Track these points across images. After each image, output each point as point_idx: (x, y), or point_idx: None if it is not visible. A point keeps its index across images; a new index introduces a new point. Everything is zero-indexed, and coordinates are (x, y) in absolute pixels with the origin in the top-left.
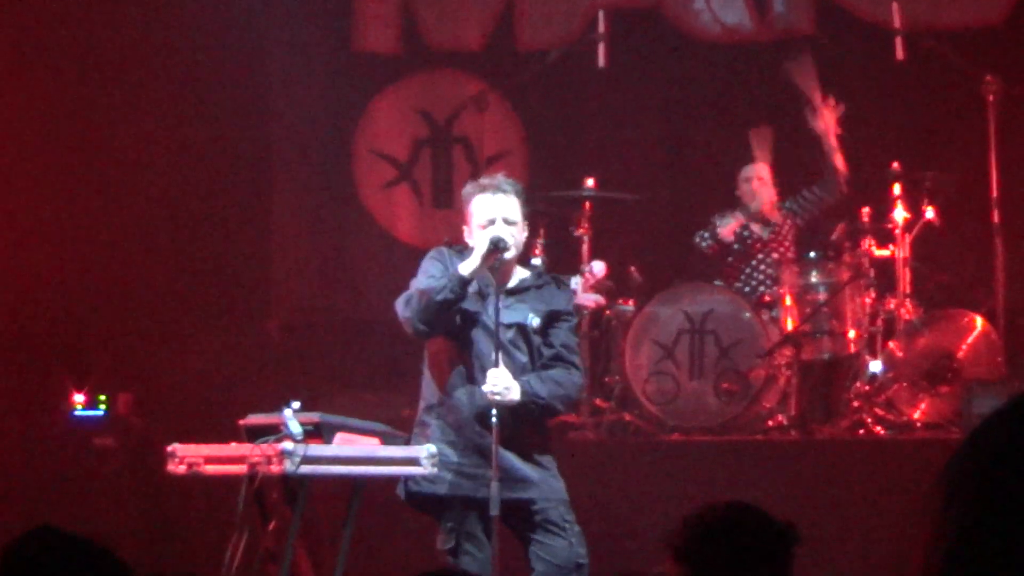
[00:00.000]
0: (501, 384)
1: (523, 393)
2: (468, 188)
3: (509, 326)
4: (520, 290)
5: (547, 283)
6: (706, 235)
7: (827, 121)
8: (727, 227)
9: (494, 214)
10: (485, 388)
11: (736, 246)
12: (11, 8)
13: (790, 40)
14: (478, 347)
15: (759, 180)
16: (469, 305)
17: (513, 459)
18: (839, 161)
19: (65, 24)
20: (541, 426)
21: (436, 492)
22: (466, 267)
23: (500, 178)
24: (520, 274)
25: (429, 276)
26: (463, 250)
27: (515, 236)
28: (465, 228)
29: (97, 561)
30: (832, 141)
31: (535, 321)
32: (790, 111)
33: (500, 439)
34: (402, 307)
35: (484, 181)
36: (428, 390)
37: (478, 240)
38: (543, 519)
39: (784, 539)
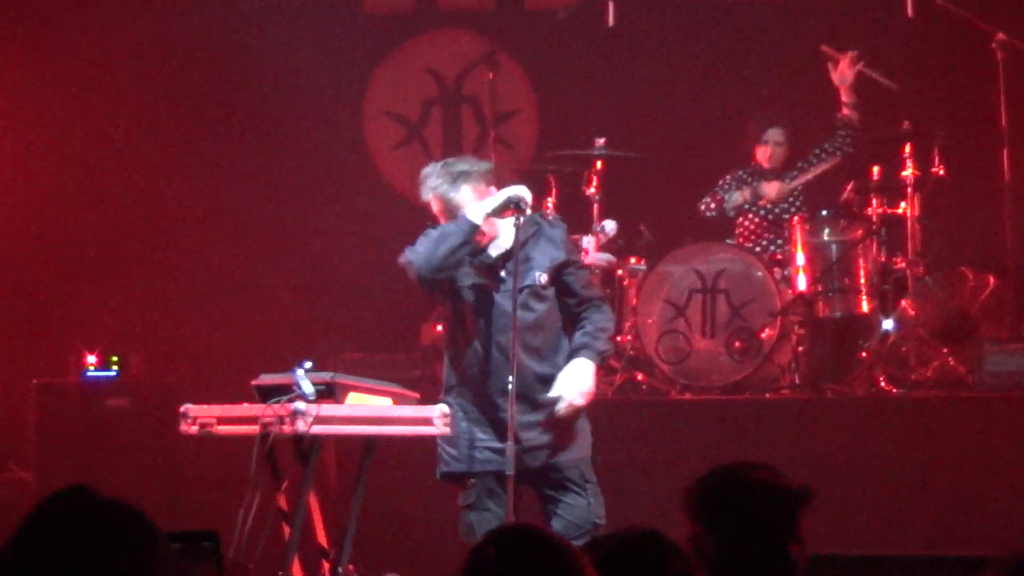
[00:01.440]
0: (573, 389)
1: (595, 361)
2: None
3: (520, 290)
4: (511, 252)
5: (539, 228)
6: (712, 205)
7: (844, 73)
8: (733, 204)
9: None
10: (563, 402)
11: (747, 208)
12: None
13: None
14: (492, 323)
15: (778, 145)
16: (479, 280)
17: (536, 431)
18: (853, 115)
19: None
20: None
21: (469, 470)
22: (477, 213)
23: (425, 174)
24: (505, 228)
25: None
26: None
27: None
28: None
29: (127, 521)
30: (848, 95)
31: (543, 278)
32: (800, 67)
33: (525, 409)
34: (408, 252)
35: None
36: (447, 371)
37: (500, 192)
38: (563, 477)
39: (795, 500)
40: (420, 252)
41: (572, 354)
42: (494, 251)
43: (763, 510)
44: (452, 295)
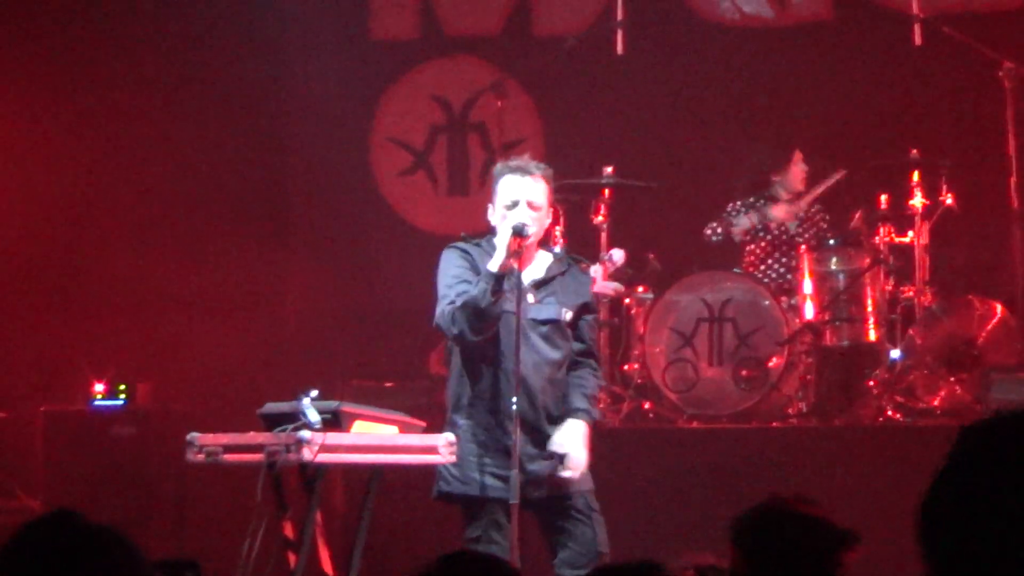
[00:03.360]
0: (581, 455)
1: (588, 425)
2: (498, 168)
3: (544, 322)
4: (548, 280)
5: (570, 268)
6: (719, 230)
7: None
8: (740, 228)
9: (518, 196)
10: (573, 464)
11: (751, 238)
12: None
13: (810, 28)
14: (506, 345)
15: (798, 164)
16: (503, 307)
17: (541, 464)
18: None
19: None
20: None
21: (468, 493)
22: (494, 263)
23: (530, 161)
24: (543, 259)
25: (458, 280)
26: (480, 240)
27: (538, 220)
28: (489, 206)
29: (112, 547)
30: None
31: (568, 315)
32: (808, 94)
33: (532, 441)
34: (448, 324)
35: (514, 163)
36: (457, 390)
37: (501, 229)
38: (568, 506)
39: (840, 540)
40: (465, 324)
41: (573, 412)
42: (526, 277)
43: (807, 546)
44: None
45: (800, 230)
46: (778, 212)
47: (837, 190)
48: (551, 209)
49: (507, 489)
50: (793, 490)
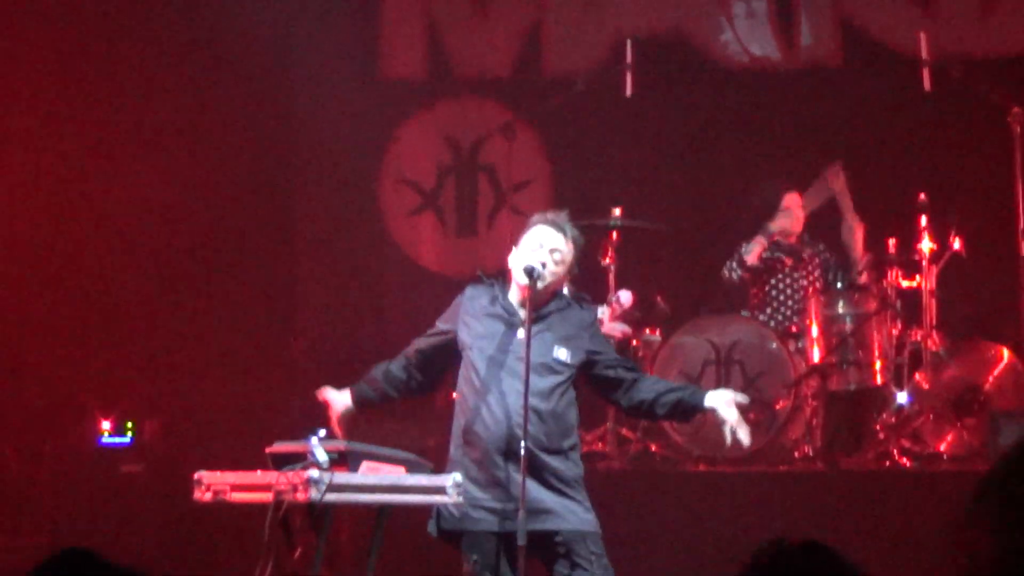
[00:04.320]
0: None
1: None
2: (536, 216)
3: (531, 359)
4: (543, 316)
5: (568, 305)
6: (734, 265)
7: (857, 236)
8: (752, 253)
9: (544, 243)
10: (740, 434)
11: (762, 267)
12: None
13: (819, 71)
14: (500, 381)
15: (796, 208)
16: (489, 339)
17: (536, 490)
18: (862, 271)
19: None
20: (570, 457)
21: (463, 527)
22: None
23: (565, 218)
24: (553, 305)
25: (429, 332)
26: (495, 281)
27: (555, 273)
28: (513, 248)
29: None
30: (858, 255)
31: (563, 354)
32: (818, 138)
33: (529, 473)
34: None
35: (551, 215)
36: (455, 428)
37: (516, 270)
38: (568, 551)
39: None
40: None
41: (693, 392)
42: (523, 314)
43: None
44: (465, 356)
45: (799, 262)
46: (781, 223)
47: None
48: (569, 271)
49: (501, 522)
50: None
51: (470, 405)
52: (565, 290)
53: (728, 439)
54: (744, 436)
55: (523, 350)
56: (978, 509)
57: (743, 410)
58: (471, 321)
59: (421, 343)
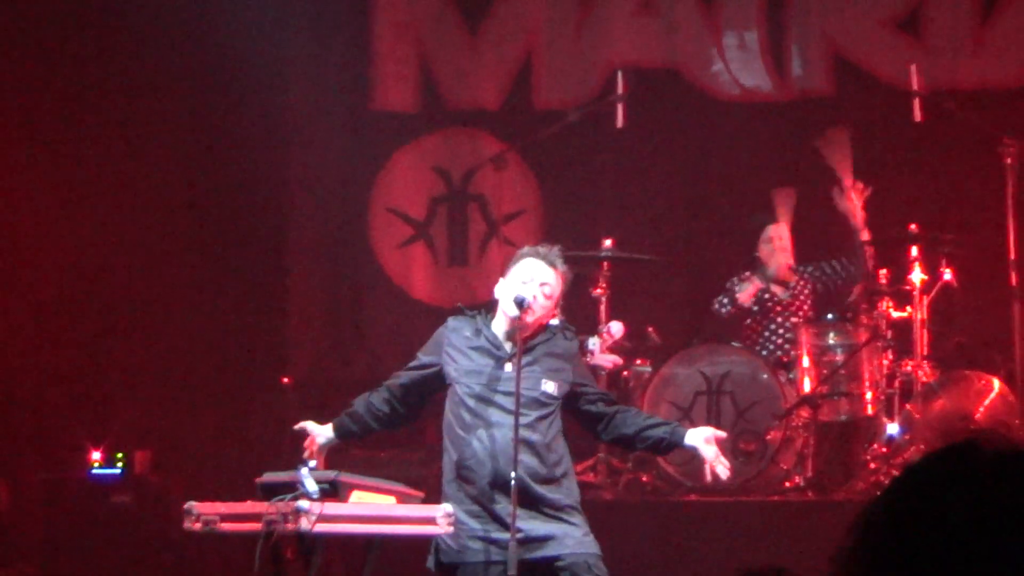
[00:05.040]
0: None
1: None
2: (524, 250)
3: (513, 392)
4: (530, 348)
5: (552, 336)
6: (725, 301)
7: (854, 202)
8: (745, 293)
9: (535, 276)
10: (719, 469)
11: (755, 308)
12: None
13: (811, 102)
14: (488, 414)
15: (779, 240)
16: (475, 372)
17: (534, 520)
18: (865, 244)
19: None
20: (564, 484)
21: (463, 560)
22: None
23: (555, 252)
24: (540, 339)
25: (412, 364)
26: (476, 312)
27: (544, 307)
28: (500, 279)
29: None
30: (858, 222)
31: (550, 387)
32: (810, 173)
33: (523, 503)
34: None
35: (541, 249)
36: (445, 462)
37: (504, 300)
38: (570, 574)
39: None
40: None
41: (674, 430)
42: (508, 347)
43: None
44: (451, 389)
45: (792, 299)
46: (776, 266)
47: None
48: (558, 306)
49: (495, 552)
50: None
51: (461, 439)
52: (555, 321)
53: (708, 476)
54: (723, 472)
55: (511, 384)
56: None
57: (725, 444)
58: (456, 355)
59: (404, 377)
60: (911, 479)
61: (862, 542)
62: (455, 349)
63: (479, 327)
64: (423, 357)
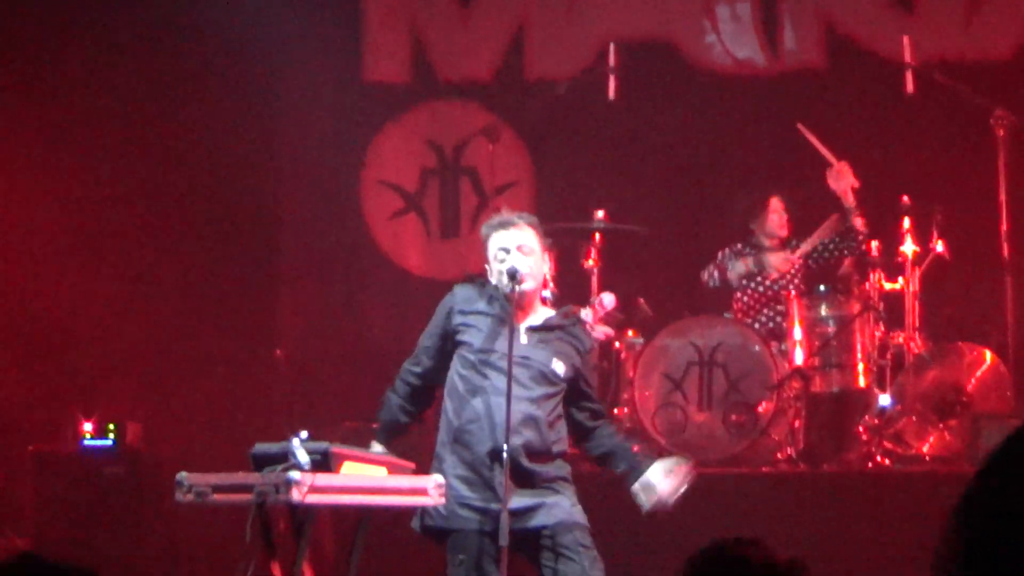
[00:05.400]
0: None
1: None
2: (483, 229)
3: (530, 364)
4: (545, 328)
5: (573, 323)
6: (716, 275)
7: (844, 179)
8: (737, 271)
9: (508, 244)
10: (663, 498)
11: (744, 282)
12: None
13: (803, 75)
14: (495, 382)
15: (776, 214)
16: (487, 339)
17: (524, 493)
18: (858, 220)
19: (72, 56)
20: (557, 461)
21: (448, 526)
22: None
23: (511, 214)
24: (545, 312)
25: (424, 341)
26: (485, 282)
27: (533, 265)
28: (486, 266)
29: None
30: (850, 200)
31: (560, 368)
32: (803, 147)
33: (515, 476)
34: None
35: (495, 220)
36: (444, 424)
37: (498, 281)
38: (555, 543)
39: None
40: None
41: (640, 460)
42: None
43: None
44: (460, 352)
45: (790, 278)
46: (775, 260)
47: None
48: (546, 254)
49: (487, 521)
50: (782, 534)
51: (466, 403)
52: (549, 293)
53: (648, 504)
54: (671, 503)
55: (522, 355)
56: (957, 525)
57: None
58: (472, 319)
59: (425, 364)
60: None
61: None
62: (468, 315)
63: (492, 295)
64: (432, 337)
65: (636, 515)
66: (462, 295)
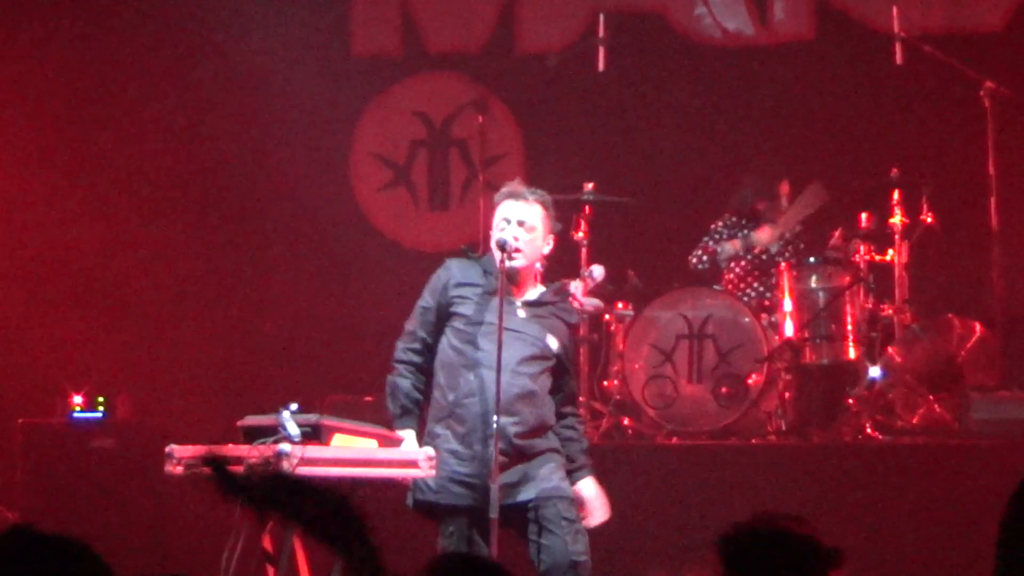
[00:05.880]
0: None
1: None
2: (497, 195)
3: (526, 339)
4: (538, 304)
5: (563, 299)
6: (704, 259)
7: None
8: (726, 257)
9: (510, 216)
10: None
11: (734, 264)
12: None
13: (792, 47)
14: (490, 355)
15: (783, 199)
16: (482, 311)
17: (513, 469)
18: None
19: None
20: (548, 435)
21: (440, 502)
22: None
23: (525, 187)
24: (540, 289)
25: (417, 317)
26: (478, 255)
27: (531, 242)
28: (492, 232)
29: (74, 558)
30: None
31: (553, 343)
32: (790, 114)
33: (506, 451)
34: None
35: (507, 188)
36: (436, 398)
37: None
38: (539, 516)
39: (827, 562)
40: (389, 385)
41: (581, 469)
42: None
43: (796, 564)
44: (454, 325)
45: (780, 250)
46: (762, 236)
47: (820, 214)
48: (551, 236)
49: (477, 497)
50: (773, 507)
51: (459, 379)
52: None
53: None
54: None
55: (517, 328)
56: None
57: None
58: (467, 292)
59: (424, 340)
60: None
61: None
62: (464, 287)
63: (486, 268)
64: (429, 312)
65: (625, 486)
66: (457, 268)
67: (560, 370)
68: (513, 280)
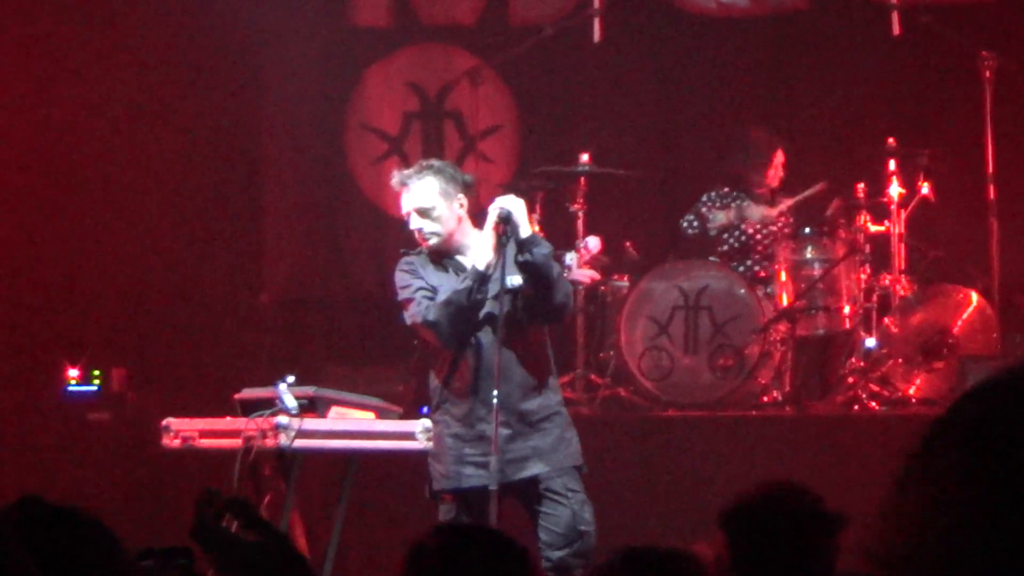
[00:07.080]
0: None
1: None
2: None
3: (497, 294)
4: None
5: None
6: (695, 223)
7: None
8: (717, 224)
9: (407, 207)
10: (493, 206)
11: (726, 236)
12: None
13: (787, 17)
14: (477, 336)
15: (777, 169)
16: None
17: (517, 440)
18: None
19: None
20: (547, 391)
21: (458, 486)
22: (482, 261)
23: (405, 170)
24: (474, 236)
25: (421, 287)
26: (422, 249)
27: (430, 222)
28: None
29: (83, 529)
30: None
31: (517, 279)
32: (788, 84)
33: (507, 420)
34: (421, 319)
35: (395, 179)
36: (433, 384)
37: (486, 229)
38: (544, 488)
39: (832, 527)
40: (445, 322)
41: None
42: (479, 262)
43: (800, 531)
44: None
45: (770, 231)
46: (756, 213)
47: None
48: (457, 196)
49: (479, 476)
50: (770, 477)
51: (450, 363)
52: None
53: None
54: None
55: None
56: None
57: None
58: (432, 281)
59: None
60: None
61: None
62: (429, 275)
63: (427, 263)
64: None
65: (622, 458)
66: (417, 262)
67: (529, 289)
68: (445, 253)
